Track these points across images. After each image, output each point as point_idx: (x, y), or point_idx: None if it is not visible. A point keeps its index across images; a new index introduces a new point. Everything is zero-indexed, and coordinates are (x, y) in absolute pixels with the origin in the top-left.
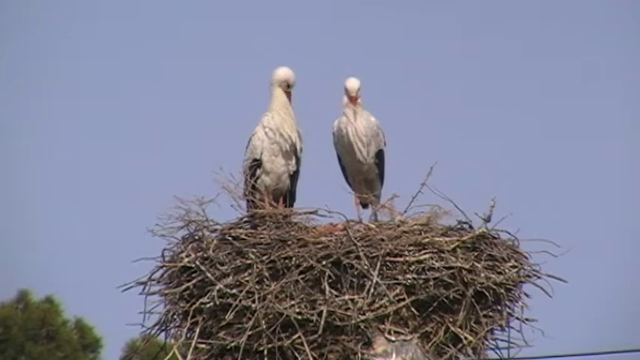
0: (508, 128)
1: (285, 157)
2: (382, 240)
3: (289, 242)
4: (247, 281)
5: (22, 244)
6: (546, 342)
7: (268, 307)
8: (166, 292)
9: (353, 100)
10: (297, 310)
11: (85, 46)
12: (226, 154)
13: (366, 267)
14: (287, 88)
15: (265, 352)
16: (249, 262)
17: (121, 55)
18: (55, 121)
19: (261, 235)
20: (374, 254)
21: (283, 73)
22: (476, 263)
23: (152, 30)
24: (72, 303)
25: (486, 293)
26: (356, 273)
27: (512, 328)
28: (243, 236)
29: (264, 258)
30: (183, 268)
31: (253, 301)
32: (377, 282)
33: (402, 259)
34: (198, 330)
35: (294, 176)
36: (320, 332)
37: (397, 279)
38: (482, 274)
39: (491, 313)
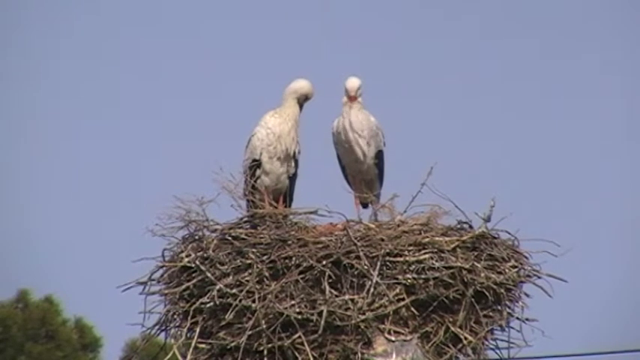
0: (508, 128)
1: (282, 160)
2: (382, 240)
3: (289, 242)
4: (247, 281)
5: (21, 243)
6: (546, 342)
7: (268, 307)
8: (166, 292)
9: (352, 99)
10: (298, 309)
11: (85, 45)
12: (226, 154)
13: (366, 267)
14: (304, 101)
15: (265, 352)
16: (249, 262)
17: (120, 54)
18: (55, 121)
19: (261, 235)
20: (374, 254)
21: (307, 88)
22: (476, 263)
23: (152, 30)
24: (72, 303)
25: (486, 293)
26: (356, 273)
27: (512, 328)
28: (243, 236)
29: (264, 258)
30: (183, 268)
31: (253, 301)
32: (377, 282)
33: (402, 259)
34: (198, 330)
35: (292, 178)
36: (320, 332)
37: (397, 279)
38: (483, 274)
39: (491, 313)
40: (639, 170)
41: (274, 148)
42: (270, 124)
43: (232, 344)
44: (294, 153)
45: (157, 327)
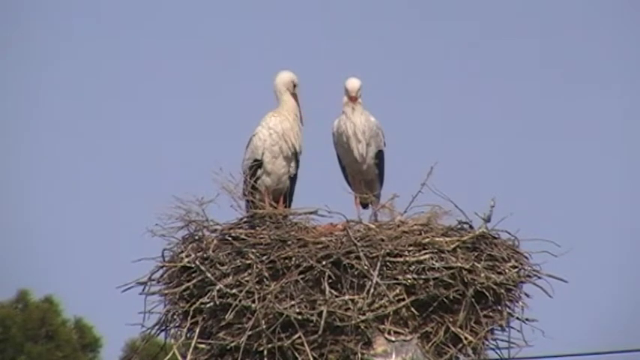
0: (508, 128)
1: (285, 160)
2: (382, 240)
3: (289, 242)
4: (247, 281)
5: (21, 244)
6: (546, 342)
7: (268, 307)
8: (166, 292)
9: (353, 100)
10: (297, 310)
11: (85, 45)
12: (226, 154)
13: (366, 267)
14: (294, 89)
15: (265, 352)
16: (249, 262)
17: (120, 55)
18: (54, 120)
19: (261, 235)
20: (374, 254)
21: (288, 75)
22: (476, 263)
23: (152, 30)
24: (71, 303)
25: (486, 293)
26: (356, 273)
27: (512, 328)
28: (243, 236)
29: (264, 258)
30: (183, 268)
31: (253, 301)
32: (377, 282)
33: (402, 259)
34: (198, 330)
35: (293, 179)
36: (320, 332)
37: (397, 279)
38: (483, 274)
39: (491, 313)
40: (639, 170)
41: (279, 148)
42: (272, 124)
43: (232, 344)
44: (297, 153)
45: (156, 327)
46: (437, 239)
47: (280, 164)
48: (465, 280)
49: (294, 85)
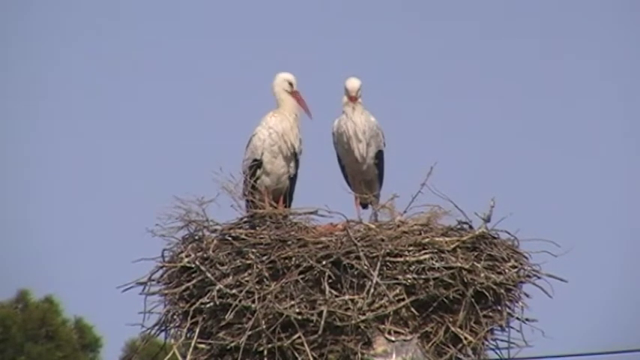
0: (508, 128)
1: (285, 160)
2: (382, 240)
3: (289, 242)
4: (247, 281)
5: (22, 243)
6: (546, 342)
7: (268, 307)
8: (166, 292)
9: (353, 99)
10: (297, 310)
11: (84, 45)
12: (226, 154)
13: (366, 267)
14: (291, 88)
15: (265, 352)
16: (249, 262)
17: (120, 54)
18: (54, 120)
19: (261, 235)
20: (374, 254)
21: (281, 76)
22: (476, 263)
23: (151, 29)
24: (71, 303)
25: (486, 293)
26: (356, 273)
27: (512, 328)
28: (243, 236)
29: (264, 258)
30: (183, 268)
31: (253, 301)
32: (377, 282)
33: (402, 259)
34: (198, 330)
35: (292, 179)
36: (320, 332)
37: (397, 279)
38: (482, 274)
39: (491, 314)
40: (639, 170)
41: (279, 147)
42: (272, 124)
43: (232, 344)
44: (297, 153)
45: (156, 327)
46: (437, 239)
47: (279, 164)
48: (465, 280)
49: (290, 84)
